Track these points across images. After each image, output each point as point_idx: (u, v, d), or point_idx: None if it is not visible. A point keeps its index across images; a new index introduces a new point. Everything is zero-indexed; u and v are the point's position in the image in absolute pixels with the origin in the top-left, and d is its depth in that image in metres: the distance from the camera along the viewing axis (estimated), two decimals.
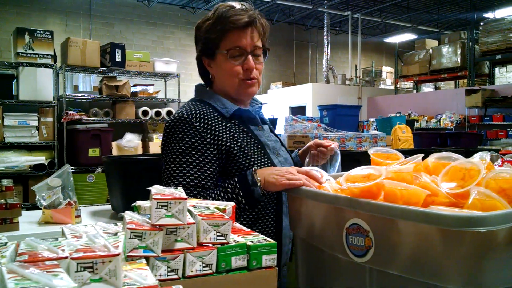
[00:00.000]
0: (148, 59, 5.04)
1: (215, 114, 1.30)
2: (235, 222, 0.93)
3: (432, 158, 1.01)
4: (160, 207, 0.69)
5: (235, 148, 1.27)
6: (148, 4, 12.65)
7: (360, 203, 0.85)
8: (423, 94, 12.38)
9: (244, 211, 1.22)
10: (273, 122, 5.98)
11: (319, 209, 1.00)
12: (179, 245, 0.71)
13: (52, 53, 4.52)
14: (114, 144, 4.81)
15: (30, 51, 4.39)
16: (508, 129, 8.95)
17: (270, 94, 13.50)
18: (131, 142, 4.80)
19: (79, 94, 4.76)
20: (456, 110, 10.12)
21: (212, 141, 1.25)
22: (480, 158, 1.00)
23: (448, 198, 0.84)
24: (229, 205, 0.89)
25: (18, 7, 11.14)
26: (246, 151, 1.28)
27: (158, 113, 5.06)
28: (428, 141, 7.57)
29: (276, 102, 12.78)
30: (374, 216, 0.83)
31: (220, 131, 1.27)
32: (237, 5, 1.31)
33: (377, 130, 7.34)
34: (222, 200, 1.21)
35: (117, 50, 4.66)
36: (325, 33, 13.24)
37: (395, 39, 14.82)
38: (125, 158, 2.95)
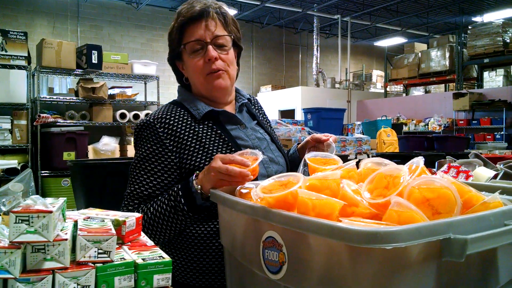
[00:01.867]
0: (126, 61, 4.94)
1: (186, 117, 1.24)
2: (142, 236, 0.84)
3: (364, 164, 0.93)
4: (20, 221, 0.60)
5: (199, 151, 1.19)
6: (136, 6, 12.56)
7: (272, 214, 0.77)
8: (412, 97, 12.39)
9: (200, 221, 1.16)
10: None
11: (238, 219, 0.91)
12: (48, 265, 0.62)
13: (26, 55, 4.42)
14: (90, 147, 4.70)
15: (3, 52, 4.28)
16: (496, 133, 8.93)
17: (260, 97, 13.44)
18: (108, 145, 4.70)
19: (54, 97, 4.64)
20: (444, 113, 10.10)
21: (174, 148, 1.19)
22: (415, 164, 0.91)
23: (368, 209, 0.76)
24: (132, 216, 0.80)
25: (4, 9, 11.01)
26: (213, 154, 1.18)
27: (136, 116, 4.96)
28: (414, 145, 7.53)
29: (266, 105, 12.68)
30: (286, 229, 0.75)
31: (185, 135, 1.20)
32: (196, 0, 1.24)
33: (363, 134, 7.29)
34: (166, 208, 1.13)
35: (93, 51, 4.56)
36: (315, 36, 13.21)
37: (385, 42, 14.83)
38: (88, 162, 2.86)
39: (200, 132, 1.21)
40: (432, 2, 12.23)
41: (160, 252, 0.73)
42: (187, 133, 1.20)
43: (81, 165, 2.79)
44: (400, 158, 4.10)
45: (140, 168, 1.19)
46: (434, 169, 1.16)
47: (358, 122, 7.70)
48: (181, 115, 1.23)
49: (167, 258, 0.70)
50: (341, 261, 0.67)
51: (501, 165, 1.18)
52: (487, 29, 9.82)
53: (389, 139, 6.51)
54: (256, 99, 1.52)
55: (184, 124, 1.22)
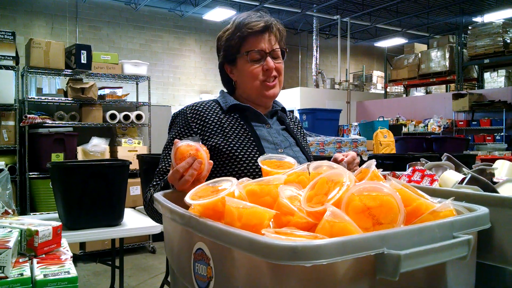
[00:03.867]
0: (117, 61, 4.87)
1: (215, 108, 1.40)
2: (63, 247, 0.76)
3: (314, 167, 0.85)
4: None
5: (219, 134, 1.32)
6: (135, 7, 12.52)
7: (198, 223, 0.69)
8: (412, 98, 12.27)
9: None
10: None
11: (173, 227, 0.84)
12: None
13: (14, 55, 4.36)
14: (79, 148, 4.64)
15: None
16: (495, 134, 8.81)
17: None
18: (97, 146, 4.63)
19: (43, 97, 4.57)
20: (444, 114, 9.99)
21: (198, 130, 1.34)
22: (367, 167, 0.84)
23: (304, 218, 0.68)
24: (47, 226, 0.73)
25: (2, 10, 10.99)
26: (231, 140, 1.31)
27: (126, 117, 4.89)
28: (413, 146, 7.42)
29: None
30: (212, 241, 0.67)
31: (210, 120, 1.35)
32: (253, 14, 1.41)
33: (359, 135, 7.19)
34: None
35: (82, 51, 4.50)
36: (314, 37, 13.12)
37: (386, 43, 14.72)
38: (67, 164, 2.79)
39: (224, 120, 1.37)
40: (432, 3, 12.12)
41: (69, 267, 0.66)
42: (212, 119, 1.36)
43: (59, 167, 2.71)
44: (394, 159, 4.01)
45: (168, 148, 1.36)
46: (399, 173, 1.08)
47: (355, 123, 7.60)
48: (212, 106, 1.41)
49: (73, 274, 0.63)
50: (262, 279, 0.59)
51: (476, 168, 1.10)
52: (488, 30, 9.70)
53: (385, 140, 6.42)
54: (293, 114, 1.68)
55: (212, 113, 1.38)
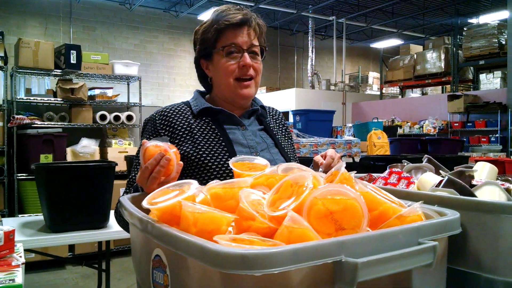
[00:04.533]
0: (107, 61, 4.83)
1: (185, 112, 1.32)
2: (16, 253, 0.73)
3: (282, 169, 0.82)
4: None
5: (188, 141, 1.25)
6: (129, 7, 12.47)
7: (154, 228, 0.66)
8: (407, 99, 12.27)
9: None
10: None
11: (135, 231, 0.80)
12: None
13: (2, 55, 4.31)
14: (69, 149, 4.59)
15: None
16: (490, 135, 8.81)
17: None
18: (87, 147, 4.59)
19: (31, 98, 4.52)
20: (439, 116, 9.98)
21: (168, 137, 1.26)
22: (337, 169, 0.80)
23: (264, 223, 0.64)
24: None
25: None
26: (200, 146, 1.24)
27: (117, 118, 4.85)
28: (408, 147, 7.39)
29: None
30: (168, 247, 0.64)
31: (180, 126, 1.28)
32: (233, 7, 1.33)
33: (354, 136, 7.17)
34: None
35: (72, 51, 4.45)
36: (309, 38, 13.10)
37: (382, 44, 14.73)
38: (52, 165, 2.74)
39: (195, 125, 1.29)
40: (427, 4, 12.13)
41: (16, 274, 0.62)
42: (181, 124, 1.28)
43: (43, 169, 2.67)
44: (386, 161, 3.98)
45: (138, 156, 1.28)
46: (375, 175, 1.04)
47: (350, 124, 7.58)
48: (182, 110, 1.32)
49: (18, 282, 0.59)
50: None
51: (455, 170, 1.06)
52: (483, 31, 9.71)
53: (379, 142, 6.39)
54: (276, 110, 1.56)
55: (182, 118, 1.30)
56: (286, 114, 11.76)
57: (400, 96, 13.24)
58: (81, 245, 4.29)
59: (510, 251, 0.75)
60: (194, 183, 0.72)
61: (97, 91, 4.84)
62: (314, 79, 12.98)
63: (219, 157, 1.22)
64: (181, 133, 1.27)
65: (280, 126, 1.50)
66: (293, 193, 0.67)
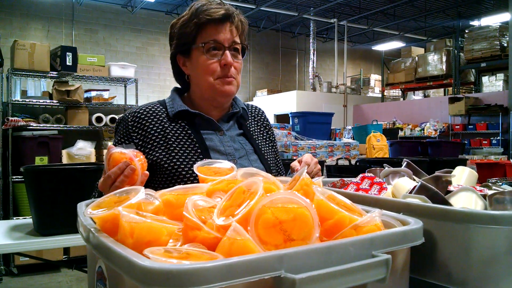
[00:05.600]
0: (103, 63, 4.81)
1: (160, 114, 1.25)
2: None
3: (241, 174, 0.78)
4: None
5: (162, 146, 1.18)
6: (132, 10, 12.49)
7: (93, 238, 0.62)
8: (409, 102, 12.20)
9: None
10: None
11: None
12: None
13: None
14: (64, 152, 4.56)
15: None
16: (492, 138, 8.73)
17: (256, 101, 13.29)
18: (82, 150, 4.56)
19: (27, 100, 4.51)
20: (440, 118, 9.91)
21: (140, 142, 1.20)
22: (298, 174, 0.76)
23: (210, 233, 0.60)
24: None
25: None
26: (174, 153, 1.17)
27: (113, 120, 4.82)
28: (408, 150, 7.34)
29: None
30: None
31: (153, 130, 1.21)
32: (214, 1, 1.25)
33: (353, 139, 7.12)
34: None
35: (68, 53, 4.43)
36: (311, 40, 13.07)
37: (384, 47, 14.66)
38: (40, 168, 2.71)
39: (169, 129, 1.21)
40: (429, 6, 12.07)
41: None
42: (155, 128, 1.21)
43: (31, 171, 2.64)
44: (382, 163, 3.93)
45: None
46: (347, 180, 1.00)
47: (349, 127, 7.53)
48: (157, 112, 1.24)
49: None
50: None
51: (432, 175, 1.02)
52: (484, 33, 9.64)
53: (378, 144, 6.35)
54: (259, 109, 1.48)
55: (156, 120, 1.22)
56: (287, 116, 11.72)
57: (401, 99, 13.18)
58: (75, 248, 4.26)
59: (481, 263, 0.70)
60: (141, 189, 0.68)
61: (93, 93, 4.82)
62: (315, 81, 12.94)
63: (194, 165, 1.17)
64: (154, 137, 1.19)
65: (262, 128, 1.43)
66: (244, 200, 0.63)
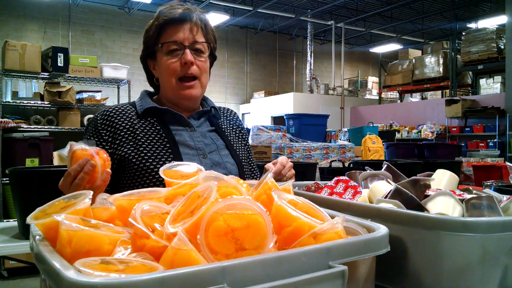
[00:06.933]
0: (96, 64, 4.77)
1: (129, 112, 1.25)
2: None
3: (202, 178, 0.74)
4: None
5: (130, 142, 1.18)
6: (128, 11, 12.46)
7: (33, 245, 0.58)
8: (406, 104, 12.18)
9: None
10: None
11: None
12: None
13: None
14: (55, 153, 4.51)
15: None
16: (489, 140, 8.70)
17: (253, 103, 13.27)
18: None
19: (18, 101, 4.46)
20: (437, 120, 9.89)
21: (109, 138, 1.19)
22: (263, 178, 0.72)
23: (158, 242, 0.56)
24: None
25: None
26: (143, 148, 1.17)
27: None
28: (404, 152, 7.31)
29: (259, 111, 12.54)
30: None
31: (122, 127, 1.20)
32: (176, 3, 1.27)
33: (349, 141, 7.08)
34: None
35: (59, 54, 4.39)
36: (308, 42, 13.04)
37: (381, 49, 14.65)
38: (25, 170, 2.67)
39: (138, 125, 1.21)
40: (426, 9, 12.06)
41: None
42: (124, 125, 1.21)
43: (16, 173, 2.59)
44: (375, 166, 3.89)
45: None
46: (322, 183, 0.96)
47: (345, 129, 7.49)
48: (126, 111, 1.25)
49: None
50: None
51: (410, 178, 0.98)
52: (482, 35, 9.62)
53: (374, 146, 6.31)
54: (231, 111, 1.49)
55: (124, 118, 1.22)
56: (283, 118, 11.69)
57: (399, 101, 13.16)
58: None
59: (453, 272, 0.66)
60: (89, 194, 0.64)
61: (85, 95, 4.78)
62: (312, 83, 12.91)
63: (162, 159, 1.15)
64: (122, 133, 1.19)
65: (235, 127, 1.42)
66: (197, 206, 0.59)
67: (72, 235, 0.53)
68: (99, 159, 0.90)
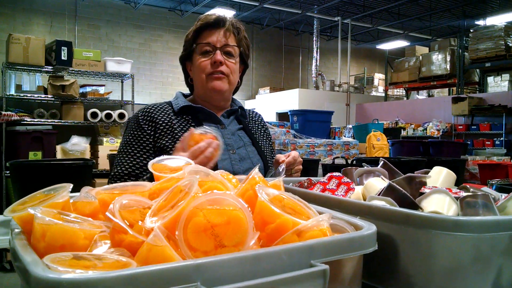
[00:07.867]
0: (99, 58, 4.76)
1: (167, 110, 1.38)
2: None
3: (188, 172, 0.72)
4: None
5: (168, 135, 1.30)
6: (134, 6, 12.44)
7: (12, 239, 0.56)
8: (412, 101, 12.07)
9: None
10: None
11: None
12: None
13: None
14: (58, 147, 4.53)
15: None
16: (495, 139, 8.61)
17: (258, 99, 13.23)
18: (77, 145, 4.52)
19: (21, 94, 4.47)
20: (443, 118, 9.79)
21: (150, 132, 1.32)
22: (250, 172, 0.70)
23: (136, 237, 0.54)
24: None
25: (1, 8, 10.95)
26: (180, 140, 1.23)
27: (109, 116, 4.78)
28: (409, 150, 7.26)
29: (264, 107, 12.49)
30: None
31: (161, 121, 1.33)
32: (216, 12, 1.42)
33: (353, 137, 7.03)
34: None
35: (63, 48, 4.39)
36: (314, 39, 12.97)
37: (388, 46, 14.53)
38: (26, 163, 2.68)
39: (175, 121, 1.34)
40: (434, 5, 11.93)
41: None
42: (163, 120, 1.34)
43: (17, 166, 2.60)
44: (378, 163, 3.85)
45: (121, 151, 1.34)
46: (315, 179, 0.94)
47: (350, 126, 7.45)
48: (164, 108, 1.38)
49: None
50: None
51: (405, 175, 0.95)
52: (490, 33, 9.49)
53: (378, 143, 6.26)
54: (257, 113, 1.63)
55: (163, 114, 1.36)
56: (287, 114, 11.64)
57: (405, 98, 13.05)
58: None
59: (445, 272, 0.64)
60: (68, 187, 0.63)
61: (88, 89, 4.78)
62: (318, 80, 12.84)
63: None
64: (162, 127, 1.32)
65: (260, 127, 1.55)
66: (178, 201, 0.58)
67: (46, 229, 0.52)
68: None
